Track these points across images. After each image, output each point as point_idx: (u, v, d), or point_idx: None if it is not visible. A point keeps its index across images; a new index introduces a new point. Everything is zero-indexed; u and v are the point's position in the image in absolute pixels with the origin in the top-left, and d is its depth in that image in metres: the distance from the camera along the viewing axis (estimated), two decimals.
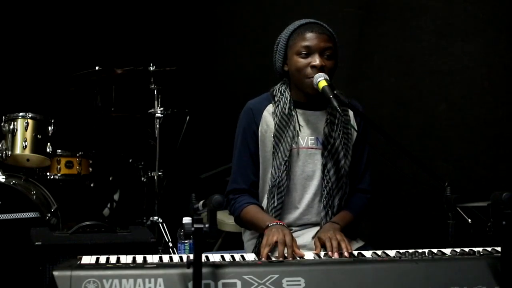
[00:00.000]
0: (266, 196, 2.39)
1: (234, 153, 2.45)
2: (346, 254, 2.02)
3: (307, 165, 2.37)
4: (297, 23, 2.37)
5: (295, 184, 2.37)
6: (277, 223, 2.20)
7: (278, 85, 2.45)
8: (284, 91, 2.40)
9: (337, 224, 2.28)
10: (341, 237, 2.12)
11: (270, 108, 2.40)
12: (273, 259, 1.97)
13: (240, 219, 2.40)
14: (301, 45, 2.30)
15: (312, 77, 2.27)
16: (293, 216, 2.38)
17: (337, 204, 2.37)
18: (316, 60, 2.27)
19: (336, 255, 2.02)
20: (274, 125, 2.36)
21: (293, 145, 2.34)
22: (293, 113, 2.36)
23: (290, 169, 2.34)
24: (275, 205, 2.34)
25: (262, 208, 2.39)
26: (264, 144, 2.39)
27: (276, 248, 2.04)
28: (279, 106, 2.38)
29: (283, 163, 2.32)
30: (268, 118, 2.39)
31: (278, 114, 2.37)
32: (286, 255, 2.02)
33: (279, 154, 2.33)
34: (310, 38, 2.29)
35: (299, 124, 2.36)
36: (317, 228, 2.36)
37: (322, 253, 2.03)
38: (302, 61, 2.30)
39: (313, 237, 2.34)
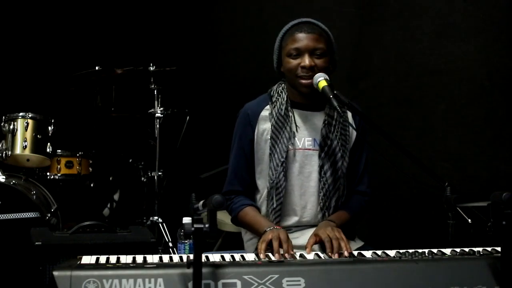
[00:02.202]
0: (264, 198, 2.39)
1: (231, 156, 2.47)
2: (346, 253, 2.02)
3: (304, 166, 2.37)
4: (290, 24, 2.38)
5: (292, 185, 2.36)
6: (274, 227, 2.22)
7: (276, 85, 2.45)
8: (281, 92, 2.41)
9: (333, 222, 2.28)
10: (340, 235, 2.12)
11: (267, 110, 2.41)
12: (273, 259, 1.97)
13: (237, 220, 2.41)
14: (290, 47, 2.31)
15: (303, 78, 2.27)
16: (293, 218, 2.38)
17: (334, 206, 2.37)
18: (306, 61, 2.28)
19: (336, 256, 2.02)
20: (270, 127, 2.36)
21: (290, 146, 2.34)
22: (290, 114, 2.36)
23: (287, 170, 2.34)
24: (275, 206, 2.34)
25: (259, 209, 2.40)
26: (260, 146, 2.39)
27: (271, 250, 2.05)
28: (276, 107, 2.38)
29: (279, 164, 2.32)
30: (265, 120, 2.39)
31: (274, 115, 2.37)
32: (283, 254, 2.03)
33: (276, 156, 2.33)
34: (299, 39, 2.30)
35: (296, 125, 2.36)
36: (314, 229, 2.37)
37: (322, 253, 2.03)
38: (293, 62, 2.31)
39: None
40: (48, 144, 4.06)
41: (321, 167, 2.34)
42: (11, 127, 3.96)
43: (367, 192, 2.48)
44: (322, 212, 2.35)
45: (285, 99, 2.38)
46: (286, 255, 2.02)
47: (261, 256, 1.99)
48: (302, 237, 2.35)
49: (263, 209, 2.41)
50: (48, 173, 4.16)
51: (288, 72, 2.34)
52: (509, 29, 3.36)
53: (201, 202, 1.72)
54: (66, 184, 4.25)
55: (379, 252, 1.98)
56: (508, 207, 1.71)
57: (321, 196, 2.35)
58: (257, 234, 2.32)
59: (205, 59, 5.04)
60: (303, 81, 2.28)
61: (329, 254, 2.04)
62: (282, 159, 2.32)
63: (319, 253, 2.05)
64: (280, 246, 2.07)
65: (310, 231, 2.35)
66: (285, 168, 2.33)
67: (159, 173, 4.21)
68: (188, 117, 4.32)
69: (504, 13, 3.38)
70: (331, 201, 2.36)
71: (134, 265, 1.72)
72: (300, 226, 2.39)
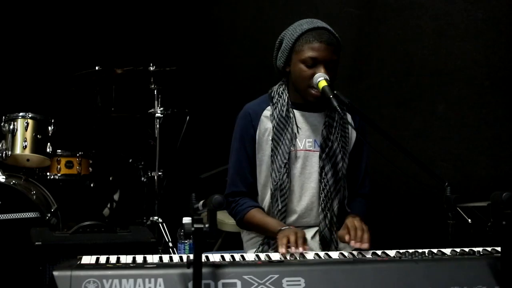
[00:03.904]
0: (267, 200, 2.39)
1: (231, 157, 2.45)
2: (365, 246, 2.03)
3: (306, 167, 2.36)
4: (305, 26, 2.30)
5: (294, 186, 2.36)
6: (289, 227, 2.22)
7: (276, 86, 2.44)
8: (282, 93, 2.39)
9: (358, 216, 2.28)
10: (366, 228, 2.13)
11: (268, 111, 2.40)
12: (273, 259, 1.97)
13: (244, 222, 2.40)
14: (308, 55, 2.25)
15: (314, 88, 2.25)
16: (291, 218, 2.38)
17: (337, 208, 2.37)
18: (321, 72, 2.25)
19: (354, 243, 2.02)
20: (272, 128, 2.36)
21: (292, 148, 2.34)
22: (291, 115, 2.36)
23: (290, 171, 2.34)
24: (280, 208, 2.33)
25: (263, 210, 2.40)
26: (261, 147, 2.38)
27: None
28: (277, 108, 2.37)
29: (282, 166, 2.32)
30: (266, 121, 2.38)
31: (276, 116, 2.36)
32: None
33: (278, 157, 2.33)
34: (318, 49, 2.25)
35: (297, 126, 2.36)
36: (315, 229, 2.37)
37: (322, 253, 2.03)
38: (307, 70, 2.26)
39: (312, 237, 2.35)
40: (48, 144, 4.06)
41: (321, 168, 2.34)
42: (11, 127, 3.96)
43: (370, 194, 2.49)
44: (323, 213, 2.34)
45: (286, 100, 2.38)
46: (303, 250, 2.01)
47: (282, 251, 1.98)
48: None
49: (265, 211, 2.41)
50: (48, 173, 4.16)
51: (299, 78, 2.30)
52: (509, 29, 3.36)
53: (201, 202, 1.72)
54: (66, 184, 4.25)
55: (379, 252, 1.98)
56: (508, 207, 1.71)
57: (322, 197, 2.34)
58: (268, 235, 2.32)
59: (205, 59, 5.04)
60: (314, 92, 2.26)
61: (348, 240, 2.04)
62: (285, 161, 2.32)
63: (319, 253, 2.05)
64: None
65: (311, 231, 2.37)
66: (288, 170, 2.33)
67: (159, 173, 4.22)
68: (188, 117, 4.32)
69: (504, 13, 3.38)
70: (333, 202, 2.35)
71: (134, 265, 1.72)
72: (302, 227, 2.38)
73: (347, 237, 2.10)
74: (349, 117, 2.42)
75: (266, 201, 2.40)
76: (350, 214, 2.32)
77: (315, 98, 2.27)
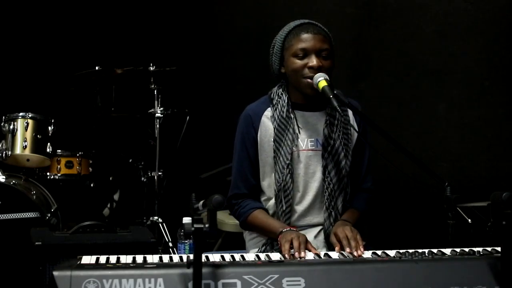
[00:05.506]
0: (272, 201, 2.39)
1: (234, 159, 2.45)
2: (359, 252, 2.01)
3: (309, 167, 2.36)
4: (291, 24, 2.37)
5: (298, 186, 2.36)
6: (290, 228, 2.22)
7: (276, 87, 2.44)
8: (282, 94, 2.40)
9: (348, 222, 2.28)
10: (356, 235, 2.11)
11: (268, 112, 2.40)
12: (273, 259, 1.97)
13: (247, 224, 2.40)
14: (297, 47, 2.30)
15: (310, 78, 2.27)
16: (294, 217, 2.37)
17: (341, 206, 2.37)
18: (313, 61, 2.27)
19: (355, 253, 2.01)
20: (273, 129, 2.36)
21: (294, 148, 2.34)
22: (292, 116, 2.36)
23: (293, 172, 2.34)
24: (284, 209, 2.34)
25: (267, 211, 2.40)
26: (263, 149, 2.38)
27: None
28: (277, 109, 2.37)
29: (285, 167, 2.32)
30: (267, 122, 2.38)
31: (276, 117, 2.36)
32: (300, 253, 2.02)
33: (281, 158, 2.33)
34: (306, 39, 2.29)
35: (298, 126, 2.36)
36: (318, 228, 2.37)
37: (322, 253, 2.03)
38: (299, 62, 2.30)
39: (315, 237, 2.35)
40: (48, 144, 4.06)
41: (324, 167, 2.34)
42: (11, 127, 3.96)
43: (372, 189, 2.49)
44: (328, 211, 2.34)
45: (286, 101, 2.38)
46: (310, 253, 2.02)
47: (287, 256, 1.99)
48: (307, 235, 2.35)
49: (271, 211, 2.41)
50: (48, 173, 4.15)
51: (293, 72, 2.32)
52: (509, 29, 3.37)
53: (201, 202, 1.72)
54: (66, 184, 4.25)
55: (379, 252, 1.98)
56: (508, 207, 1.71)
57: (326, 196, 2.34)
58: (270, 236, 2.32)
59: (205, 59, 5.04)
60: (310, 80, 2.27)
61: (347, 251, 2.03)
62: (288, 161, 2.32)
63: (319, 252, 2.05)
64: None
65: (314, 230, 2.37)
66: (291, 170, 2.33)
67: (159, 173, 4.22)
68: (188, 117, 4.32)
69: (504, 13, 3.39)
70: (337, 201, 2.35)
71: (134, 265, 1.72)
72: (304, 226, 2.38)
73: (337, 248, 2.09)
74: (350, 113, 2.42)
75: (271, 202, 2.40)
76: (341, 220, 2.32)
77: (310, 88, 2.28)
